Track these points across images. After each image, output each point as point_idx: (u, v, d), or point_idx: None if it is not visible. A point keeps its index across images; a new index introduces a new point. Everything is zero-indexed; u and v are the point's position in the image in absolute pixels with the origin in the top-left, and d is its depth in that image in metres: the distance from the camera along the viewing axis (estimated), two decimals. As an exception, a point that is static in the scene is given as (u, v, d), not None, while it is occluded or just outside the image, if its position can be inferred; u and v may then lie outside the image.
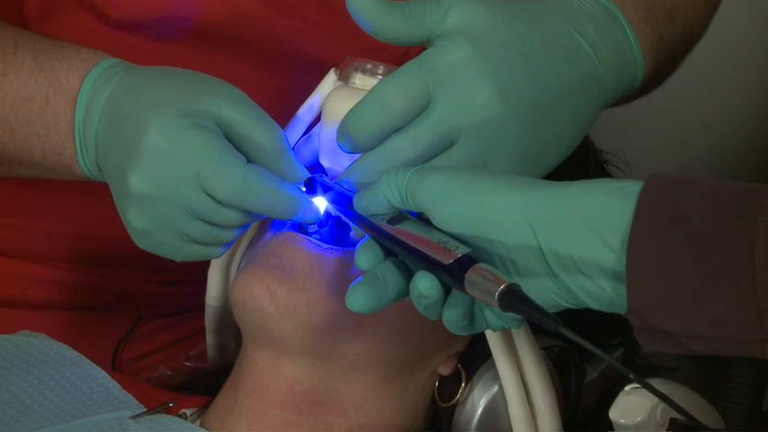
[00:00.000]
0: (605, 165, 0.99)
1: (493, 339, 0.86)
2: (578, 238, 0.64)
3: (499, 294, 0.64)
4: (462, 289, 0.67)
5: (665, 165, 1.35)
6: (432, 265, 0.68)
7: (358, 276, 0.74)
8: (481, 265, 0.66)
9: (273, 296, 0.84)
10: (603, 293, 0.65)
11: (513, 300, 0.63)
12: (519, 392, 0.86)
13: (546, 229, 0.65)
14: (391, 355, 0.88)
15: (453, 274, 0.67)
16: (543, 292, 0.67)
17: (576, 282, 0.65)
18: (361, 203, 0.75)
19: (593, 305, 0.66)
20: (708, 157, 1.56)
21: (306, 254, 0.85)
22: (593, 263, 0.63)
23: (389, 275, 0.72)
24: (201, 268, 0.96)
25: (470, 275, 0.66)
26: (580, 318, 0.71)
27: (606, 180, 0.66)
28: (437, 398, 0.91)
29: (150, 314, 1.16)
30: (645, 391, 0.68)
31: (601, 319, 0.74)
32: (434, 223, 0.71)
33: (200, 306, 1.00)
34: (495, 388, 0.88)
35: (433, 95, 0.76)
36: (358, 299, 0.70)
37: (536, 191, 0.67)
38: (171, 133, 0.75)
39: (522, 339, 0.86)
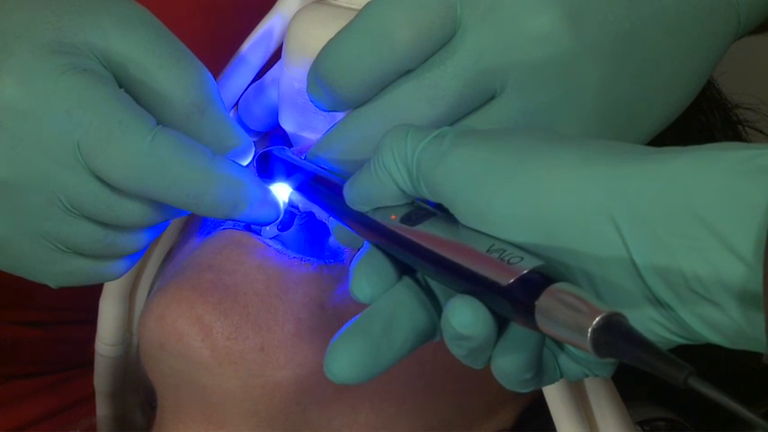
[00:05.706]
0: (740, 126, 0.92)
1: (559, 409, 0.74)
2: (688, 242, 0.56)
3: (594, 331, 0.55)
4: (531, 323, 0.58)
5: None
6: (480, 287, 0.60)
7: (343, 302, 0.72)
8: (561, 285, 0.57)
9: (209, 333, 0.74)
10: (730, 322, 0.57)
11: (617, 339, 0.56)
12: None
13: (637, 229, 0.57)
14: (396, 433, 0.79)
15: (517, 301, 0.58)
16: (640, 322, 0.59)
17: (688, 308, 0.58)
18: (355, 191, 0.65)
19: (716, 339, 0.58)
20: None
21: (261, 266, 0.75)
22: (713, 279, 0.56)
23: (398, 311, 0.62)
24: (90, 299, 0.87)
25: (545, 302, 0.57)
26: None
27: (731, 146, 0.57)
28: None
29: (6, 374, 1.04)
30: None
31: (738, 366, 0.77)
32: (461, 220, 0.62)
33: (86, 360, 0.90)
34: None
35: (462, 20, 0.67)
36: (341, 363, 0.61)
37: (620, 166, 0.58)
38: (34, 81, 0.67)
39: (605, 408, 0.75)
